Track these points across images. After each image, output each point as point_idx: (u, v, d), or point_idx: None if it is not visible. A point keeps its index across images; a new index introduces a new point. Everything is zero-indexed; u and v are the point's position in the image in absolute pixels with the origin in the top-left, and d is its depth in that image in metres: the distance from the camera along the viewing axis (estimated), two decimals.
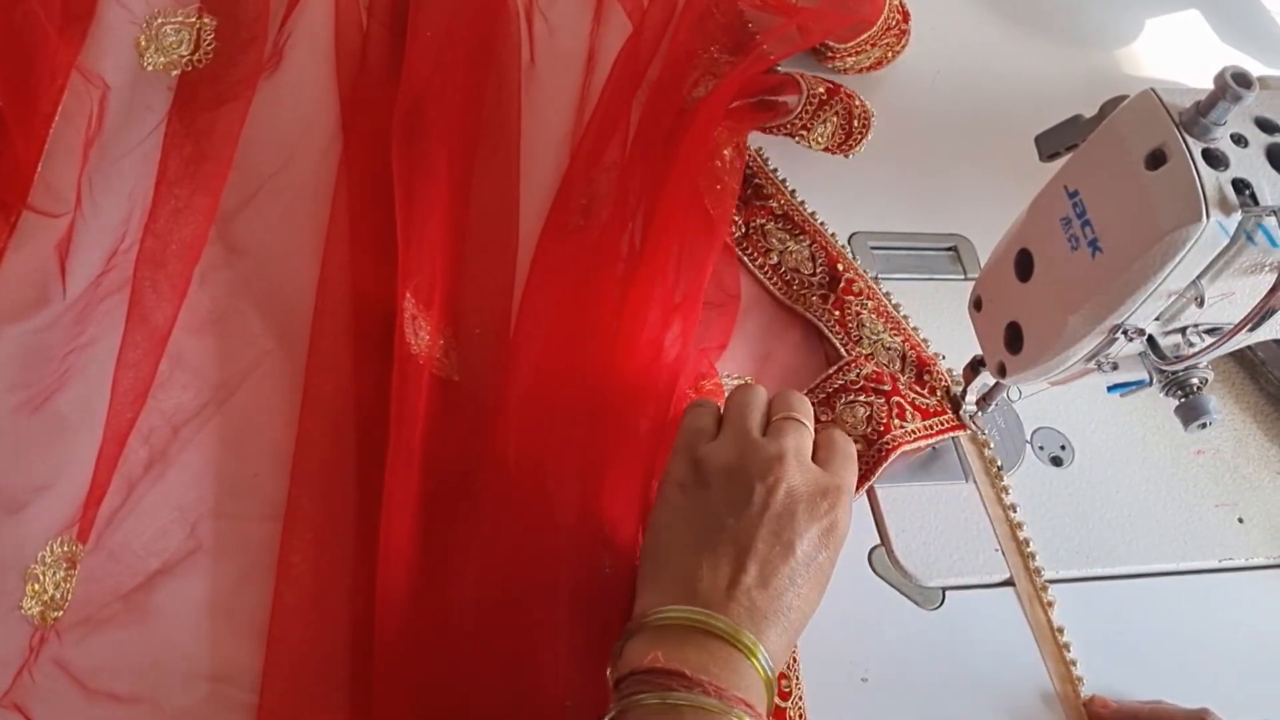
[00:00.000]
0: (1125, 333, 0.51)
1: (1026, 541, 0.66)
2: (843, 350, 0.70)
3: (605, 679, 0.55)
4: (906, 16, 0.87)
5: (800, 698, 0.58)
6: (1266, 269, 0.48)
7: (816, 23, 0.81)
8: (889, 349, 0.70)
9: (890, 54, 0.86)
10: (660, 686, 0.46)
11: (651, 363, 0.65)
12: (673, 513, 0.54)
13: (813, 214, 0.76)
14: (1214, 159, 0.46)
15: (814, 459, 0.56)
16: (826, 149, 0.79)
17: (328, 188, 0.69)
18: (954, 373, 0.70)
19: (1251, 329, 0.48)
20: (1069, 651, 0.62)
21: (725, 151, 0.75)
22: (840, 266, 0.73)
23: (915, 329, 0.72)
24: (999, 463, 0.69)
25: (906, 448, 0.64)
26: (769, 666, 0.48)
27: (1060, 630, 0.63)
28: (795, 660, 0.59)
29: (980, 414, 0.68)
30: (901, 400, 0.66)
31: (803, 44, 0.82)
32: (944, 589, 0.64)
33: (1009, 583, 0.65)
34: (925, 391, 0.68)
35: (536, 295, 0.68)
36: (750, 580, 0.49)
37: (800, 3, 0.83)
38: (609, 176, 0.73)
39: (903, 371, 0.69)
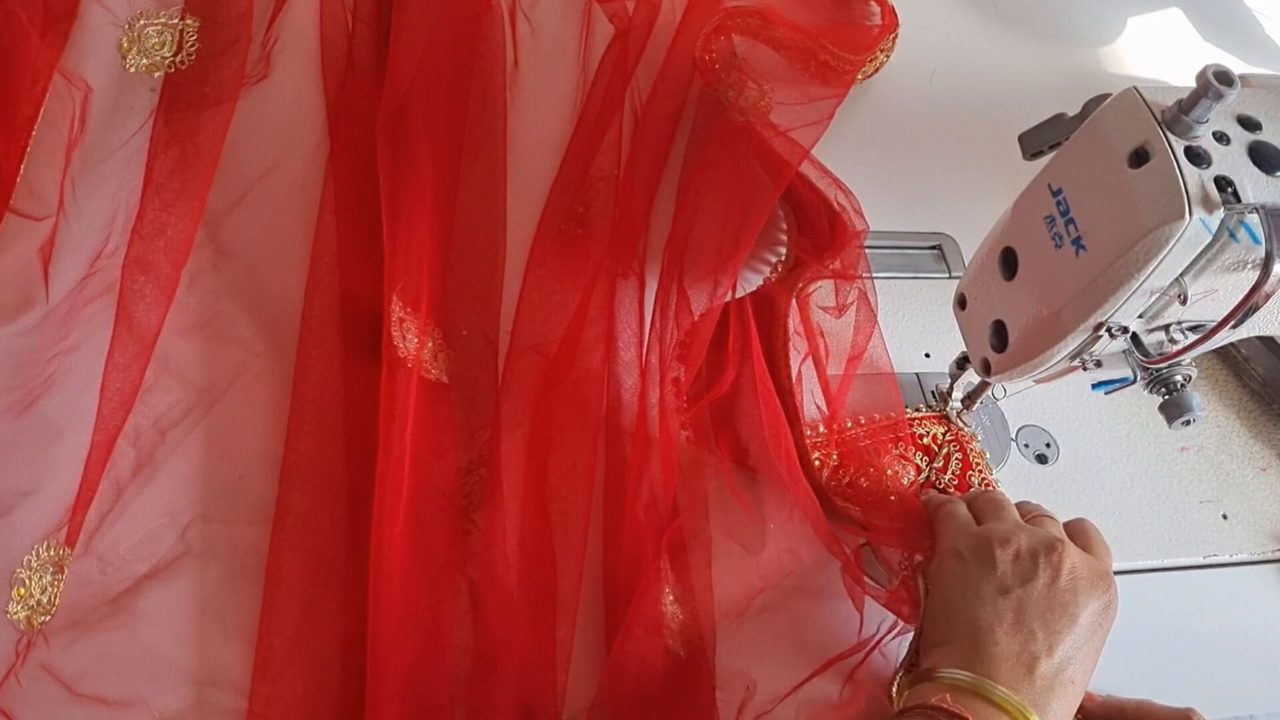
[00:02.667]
0: (1109, 330, 0.52)
1: None
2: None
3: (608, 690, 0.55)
4: (898, 19, 0.87)
5: None
6: (1249, 266, 0.48)
7: (853, 53, 0.79)
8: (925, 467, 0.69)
9: (886, 57, 0.86)
10: None
11: (651, 376, 0.65)
12: (955, 581, 0.55)
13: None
14: (1196, 157, 0.47)
15: None
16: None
17: (315, 191, 0.68)
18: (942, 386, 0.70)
19: (1234, 326, 0.48)
20: None
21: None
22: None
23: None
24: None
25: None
26: None
27: None
28: None
29: (966, 412, 0.69)
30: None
31: (844, 88, 0.78)
32: None
33: None
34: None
35: (534, 302, 0.68)
36: (1039, 648, 0.51)
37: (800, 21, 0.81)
38: (608, 184, 0.72)
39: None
